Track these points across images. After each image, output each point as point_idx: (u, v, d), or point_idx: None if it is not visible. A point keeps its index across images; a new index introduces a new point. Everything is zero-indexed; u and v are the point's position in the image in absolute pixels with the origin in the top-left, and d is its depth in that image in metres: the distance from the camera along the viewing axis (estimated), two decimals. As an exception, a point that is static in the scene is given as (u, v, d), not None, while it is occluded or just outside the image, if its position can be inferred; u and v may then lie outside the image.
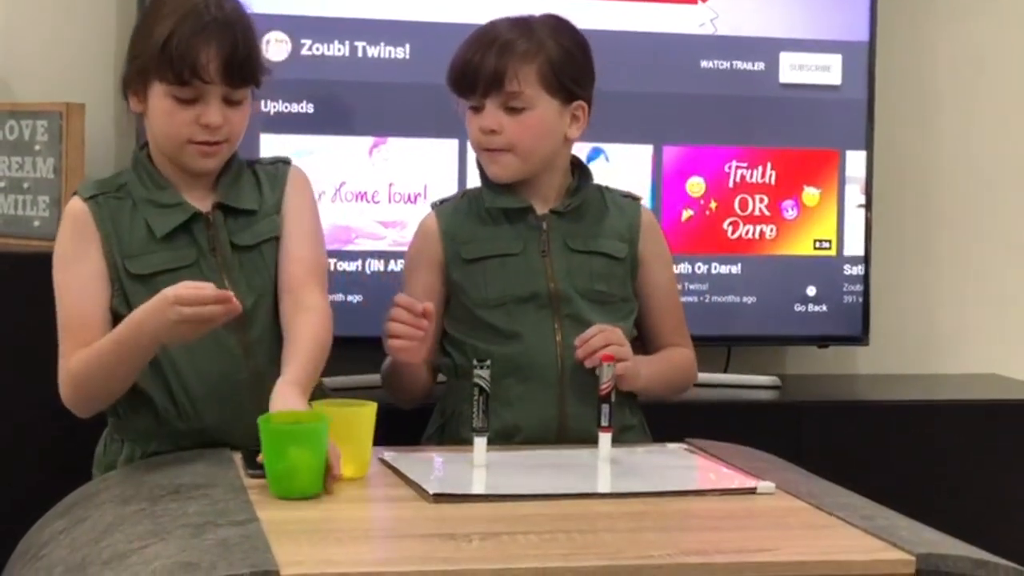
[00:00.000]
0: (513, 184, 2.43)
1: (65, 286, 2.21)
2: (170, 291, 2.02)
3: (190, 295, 2.01)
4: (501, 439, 2.29)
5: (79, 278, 2.20)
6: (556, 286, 2.40)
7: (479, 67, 2.36)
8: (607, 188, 2.54)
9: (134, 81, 2.22)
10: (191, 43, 2.14)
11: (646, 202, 3.18)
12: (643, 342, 2.52)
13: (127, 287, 2.20)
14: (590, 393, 2.23)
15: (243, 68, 2.19)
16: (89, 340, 2.15)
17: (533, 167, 2.41)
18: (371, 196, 3.03)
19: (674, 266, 2.67)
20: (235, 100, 2.21)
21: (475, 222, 2.44)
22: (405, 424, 2.46)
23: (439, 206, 2.51)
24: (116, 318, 2.17)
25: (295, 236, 2.28)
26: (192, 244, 2.21)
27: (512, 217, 2.43)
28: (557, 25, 2.44)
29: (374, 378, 2.92)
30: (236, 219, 2.26)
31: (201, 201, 2.26)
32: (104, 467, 2.28)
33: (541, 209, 2.44)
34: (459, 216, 2.46)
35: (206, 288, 2.03)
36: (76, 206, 2.24)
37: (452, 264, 2.43)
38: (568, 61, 2.41)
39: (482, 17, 3.03)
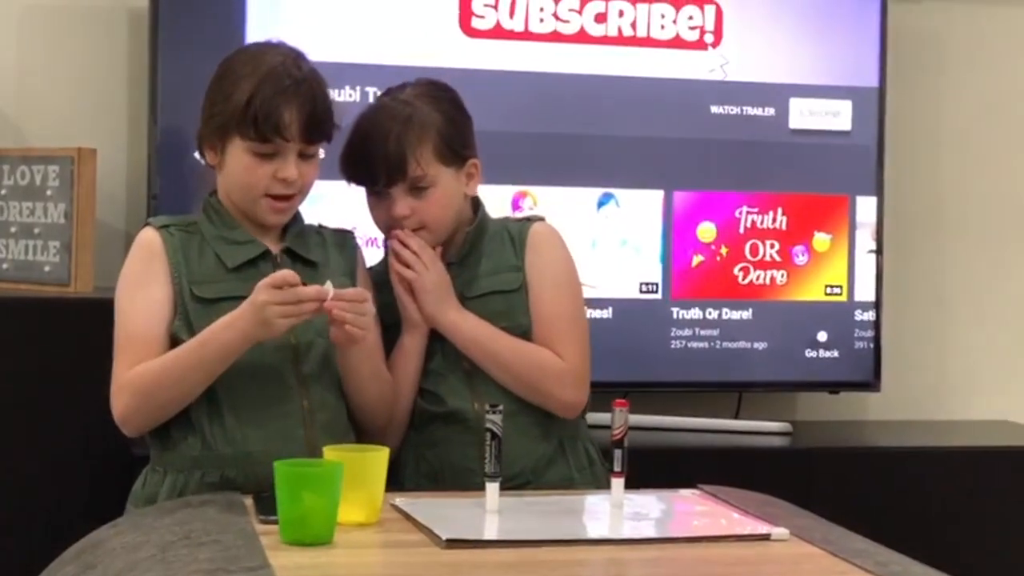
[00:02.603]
0: None
1: (130, 307, 2.27)
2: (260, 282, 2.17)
3: (278, 276, 2.16)
4: (428, 481, 2.37)
5: (145, 300, 2.26)
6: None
7: (377, 157, 2.39)
8: (507, 219, 2.56)
9: (211, 137, 2.31)
10: (274, 103, 2.25)
11: (654, 247, 3.20)
12: None
13: (191, 310, 2.25)
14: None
15: (321, 126, 2.31)
16: (147, 358, 2.21)
17: (444, 236, 2.45)
18: (382, 241, 3.02)
19: (585, 294, 2.53)
20: (309, 155, 2.31)
21: (390, 287, 2.46)
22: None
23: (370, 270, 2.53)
24: (174, 344, 2.23)
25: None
26: (258, 279, 2.23)
27: None
28: (433, 92, 2.46)
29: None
30: (300, 266, 2.32)
31: (269, 245, 2.34)
32: (143, 500, 2.28)
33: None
34: (384, 281, 2.47)
35: (290, 273, 2.18)
36: (148, 233, 2.33)
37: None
38: (454, 128, 2.43)
39: (490, 63, 3.06)
